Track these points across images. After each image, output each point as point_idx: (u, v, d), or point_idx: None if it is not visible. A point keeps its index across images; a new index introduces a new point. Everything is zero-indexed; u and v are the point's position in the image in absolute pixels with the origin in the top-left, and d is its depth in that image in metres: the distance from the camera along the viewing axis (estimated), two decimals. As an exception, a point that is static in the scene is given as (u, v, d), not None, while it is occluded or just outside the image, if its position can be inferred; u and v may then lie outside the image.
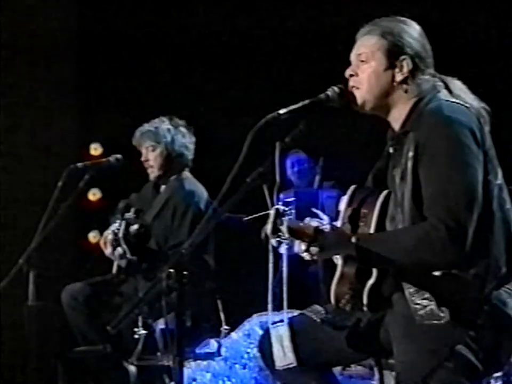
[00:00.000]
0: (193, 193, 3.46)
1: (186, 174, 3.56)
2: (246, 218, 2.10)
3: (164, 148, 3.48)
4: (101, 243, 3.38)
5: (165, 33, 4.70)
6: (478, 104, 1.94)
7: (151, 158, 3.51)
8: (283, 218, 1.85)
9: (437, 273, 1.85)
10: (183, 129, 3.54)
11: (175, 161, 3.52)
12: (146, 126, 3.54)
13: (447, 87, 1.97)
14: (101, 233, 3.49)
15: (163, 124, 3.52)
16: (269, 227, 1.86)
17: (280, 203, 1.85)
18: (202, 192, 3.49)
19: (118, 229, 3.27)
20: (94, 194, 4.68)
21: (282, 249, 1.88)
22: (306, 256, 1.91)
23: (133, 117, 4.47)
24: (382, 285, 1.92)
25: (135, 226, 3.29)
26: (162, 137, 3.49)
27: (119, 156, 3.30)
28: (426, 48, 1.99)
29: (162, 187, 3.60)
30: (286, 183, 4.31)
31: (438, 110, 1.89)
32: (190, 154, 3.55)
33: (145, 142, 3.51)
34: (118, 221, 3.33)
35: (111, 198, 4.12)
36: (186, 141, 3.53)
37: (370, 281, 1.91)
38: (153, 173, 3.54)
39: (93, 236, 4.64)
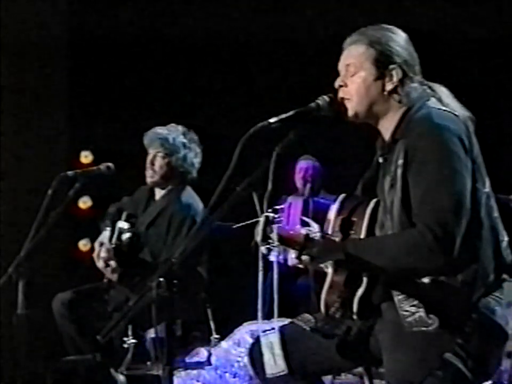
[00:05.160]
0: (190, 206, 3.42)
1: (185, 187, 3.52)
2: (236, 225, 2.10)
3: (174, 161, 3.43)
4: (94, 255, 3.35)
5: (156, 41, 4.71)
6: (463, 113, 1.96)
7: (157, 165, 3.45)
8: (273, 226, 1.85)
9: (425, 280, 1.86)
10: (196, 147, 3.49)
11: (178, 175, 3.46)
12: (164, 132, 3.46)
13: (435, 95, 1.99)
14: (92, 241, 3.48)
15: (179, 136, 3.45)
16: (258, 235, 1.86)
17: (270, 210, 1.85)
18: (198, 205, 3.46)
19: (111, 244, 3.24)
20: (84, 203, 4.67)
21: (272, 257, 1.89)
22: (297, 263, 1.91)
23: (124, 124, 4.48)
24: (372, 293, 1.92)
25: (127, 235, 3.26)
26: (176, 151, 3.43)
27: (109, 164, 3.28)
28: (413, 55, 2.00)
29: (158, 194, 3.57)
30: (294, 188, 4.34)
31: (428, 118, 1.90)
32: (194, 173, 3.50)
33: (158, 148, 3.44)
34: (109, 228, 3.30)
35: (101, 206, 4.11)
36: (196, 160, 3.49)
37: (360, 290, 1.91)
38: (152, 177, 3.47)
39: (83, 244, 4.63)
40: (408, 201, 1.86)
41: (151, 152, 3.48)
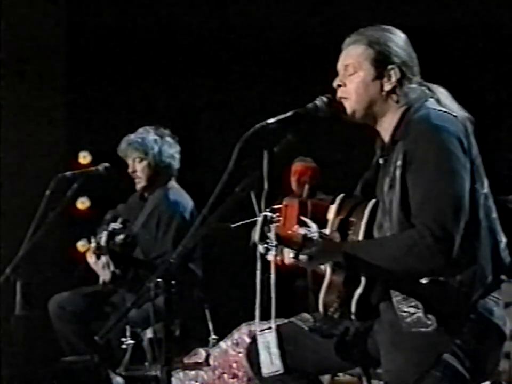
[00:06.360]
0: (178, 203, 3.45)
1: (172, 183, 3.55)
2: (234, 225, 2.10)
3: (151, 159, 3.48)
4: (87, 254, 3.36)
5: (154, 42, 4.71)
6: (462, 113, 1.96)
7: (139, 169, 3.50)
8: (271, 225, 1.85)
9: (424, 281, 1.86)
10: (169, 139, 3.53)
11: (162, 171, 3.51)
12: (132, 137, 3.53)
13: (434, 96, 1.99)
14: (90, 242, 3.48)
15: (149, 135, 3.51)
16: (256, 234, 1.86)
17: (268, 210, 1.85)
18: (187, 202, 3.48)
19: (101, 237, 3.25)
20: (82, 203, 4.66)
21: (270, 257, 1.89)
22: (294, 263, 1.91)
23: (122, 125, 4.47)
24: (370, 294, 1.92)
25: (121, 236, 3.27)
26: (150, 149, 3.48)
27: (107, 164, 3.29)
28: (412, 56, 2.01)
29: (149, 197, 3.59)
30: (290, 190, 4.34)
31: (426, 118, 1.90)
32: (176, 164, 3.54)
33: (132, 154, 3.50)
34: (105, 233, 3.31)
35: (99, 207, 4.11)
36: (173, 151, 3.53)
37: (359, 290, 1.91)
38: (140, 183, 3.52)
39: (81, 245, 4.62)
40: (407, 202, 1.86)
41: (129, 161, 3.52)
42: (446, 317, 1.84)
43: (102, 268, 3.28)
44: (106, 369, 3.33)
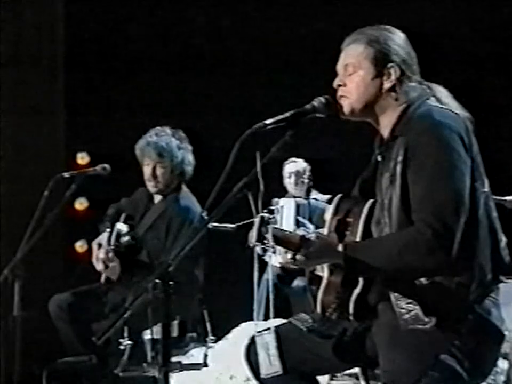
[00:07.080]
0: (189, 209, 3.40)
1: (183, 188, 3.51)
2: (232, 226, 2.11)
3: (174, 166, 3.41)
4: (93, 258, 3.34)
5: (153, 42, 4.71)
6: (462, 113, 1.96)
7: (159, 174, 3.41)
8: (268, 226, 1.85)
9: (422, 281, 1.85)
10: (187, 144, 3.48)
11: (178, 176, 3.45)
12: (155, 139, 3.42)
13: (434, 94, 1.99)
14: (88, 243, 3.48)
15: (172, 140, 3.42)
16: (254, 235, 1.86)
17: (265, 211, 1.86)
18: (197, 208, 3.44)
19: (110, 245, 3.23)
20: (81, 204, 4.67)
21: (268, 257, 1.89)
22: (292, 265, 1.91)
23: (120, 126, 4.48)
24: (368, 294, 1.92)
25: (126, 238, 3.26)
26: (175, 156, 3.41)
27: (106, 165, 3.28)
28: (412, 55, 2.01)
29: (157, 196, 3.56)
30: (282, 190, 4.33)
31: (428, 115, 1.90)
32: (191, 171, 3.50)
33: (156, 159, 3.40)
34: (108, 230, 3.30)
35: (98, 207, 4.10)
36: (191, 158, 3.48)
37: (357, 291, 1.91)
38: (157, 187, 3.43)
39: (79, 245, 4.62)
40: (407, 199, 1.86)
41: (149, 163, 3.42)
42: (444, 317, 1.84)
43: (111, 274, 3.27)
44: (105, 370, 3.33)
